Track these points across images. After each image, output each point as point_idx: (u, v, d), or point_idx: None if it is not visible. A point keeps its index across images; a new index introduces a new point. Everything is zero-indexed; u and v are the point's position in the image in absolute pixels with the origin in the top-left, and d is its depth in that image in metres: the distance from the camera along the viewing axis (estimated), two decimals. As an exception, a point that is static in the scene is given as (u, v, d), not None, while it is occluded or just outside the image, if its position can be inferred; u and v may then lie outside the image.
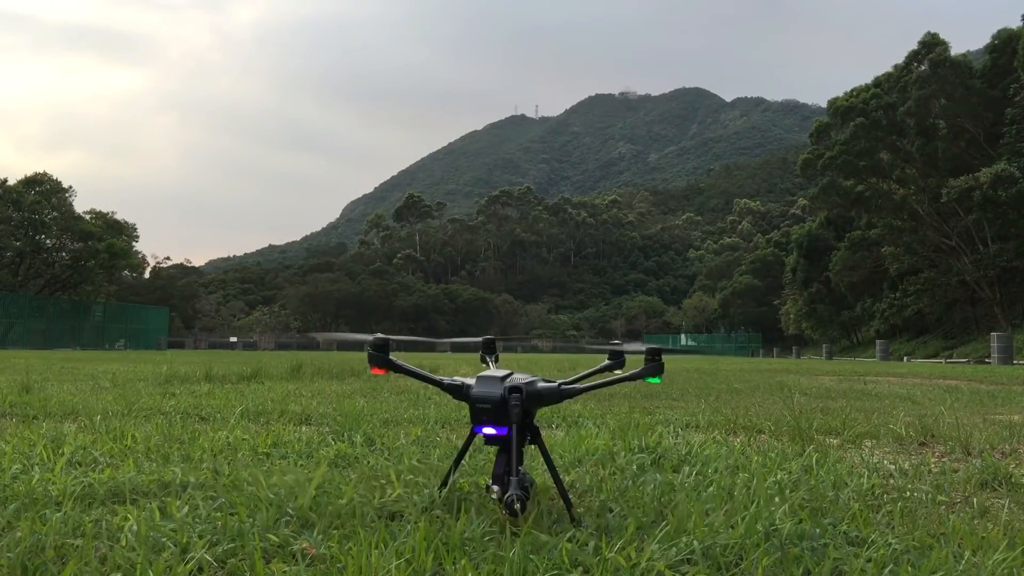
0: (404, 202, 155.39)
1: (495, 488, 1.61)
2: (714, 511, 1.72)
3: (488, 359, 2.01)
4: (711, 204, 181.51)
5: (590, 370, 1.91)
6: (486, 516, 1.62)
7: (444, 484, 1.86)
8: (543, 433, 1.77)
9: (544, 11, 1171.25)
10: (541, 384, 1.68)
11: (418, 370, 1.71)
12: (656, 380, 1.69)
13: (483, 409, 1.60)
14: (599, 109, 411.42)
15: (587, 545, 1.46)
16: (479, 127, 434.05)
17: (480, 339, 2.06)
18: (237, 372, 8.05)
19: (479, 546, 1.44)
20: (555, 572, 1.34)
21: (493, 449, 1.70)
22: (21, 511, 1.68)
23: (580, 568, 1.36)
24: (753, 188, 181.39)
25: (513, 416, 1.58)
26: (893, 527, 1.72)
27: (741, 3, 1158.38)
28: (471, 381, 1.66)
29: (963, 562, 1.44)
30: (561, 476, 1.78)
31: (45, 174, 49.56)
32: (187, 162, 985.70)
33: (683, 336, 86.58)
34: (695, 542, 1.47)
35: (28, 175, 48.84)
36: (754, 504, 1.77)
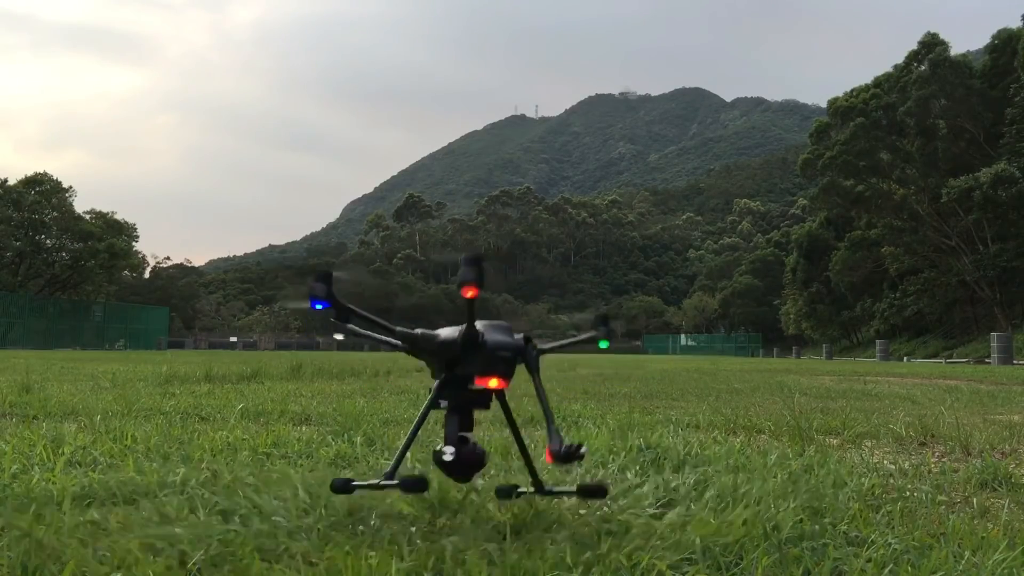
0: (404, 202, 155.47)
1: (447, 450, 1.50)
2: (714, 511, 1.72)
3: None
4: (711, 204, 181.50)
5: (578, 337, 1.81)
6: (486, 516, 1.62)
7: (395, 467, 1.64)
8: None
9: (544, 11, 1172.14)
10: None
11: (371, 316, 1.48)
12: (605, 344, 1.64)
13: (502, 357, 1.51)
14: (599, 109, 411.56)
15: (587, 545, 1.46)
16: (479, 127, 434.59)
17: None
18: (237, 372, 8.04)
19: (479, 546, 1.44)
20: (555, 572, 1.34)
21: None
22: (21, 511, 1.68)
23: (580, 568, 1.36)
24: (753, 188, 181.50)
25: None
26: (893, 527, 1.72)
27: (741, 3, 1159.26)
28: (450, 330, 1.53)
29: (963, 562, 1.44)
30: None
31: (45, 174, 49.58)
32: (187, 162, 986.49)
33: (683, 336, 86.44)
34: (695, 542, 1.47)
35: (28, 175, 48.86)
36: (754, 504, 1.77)
